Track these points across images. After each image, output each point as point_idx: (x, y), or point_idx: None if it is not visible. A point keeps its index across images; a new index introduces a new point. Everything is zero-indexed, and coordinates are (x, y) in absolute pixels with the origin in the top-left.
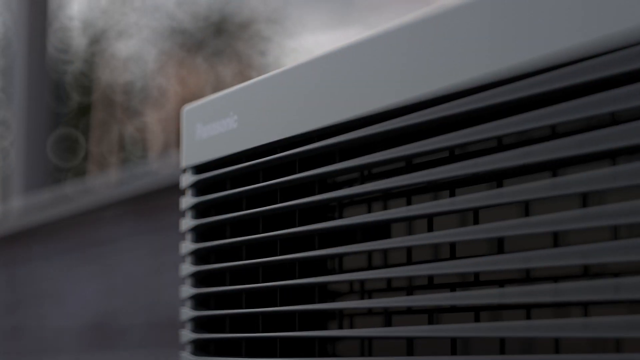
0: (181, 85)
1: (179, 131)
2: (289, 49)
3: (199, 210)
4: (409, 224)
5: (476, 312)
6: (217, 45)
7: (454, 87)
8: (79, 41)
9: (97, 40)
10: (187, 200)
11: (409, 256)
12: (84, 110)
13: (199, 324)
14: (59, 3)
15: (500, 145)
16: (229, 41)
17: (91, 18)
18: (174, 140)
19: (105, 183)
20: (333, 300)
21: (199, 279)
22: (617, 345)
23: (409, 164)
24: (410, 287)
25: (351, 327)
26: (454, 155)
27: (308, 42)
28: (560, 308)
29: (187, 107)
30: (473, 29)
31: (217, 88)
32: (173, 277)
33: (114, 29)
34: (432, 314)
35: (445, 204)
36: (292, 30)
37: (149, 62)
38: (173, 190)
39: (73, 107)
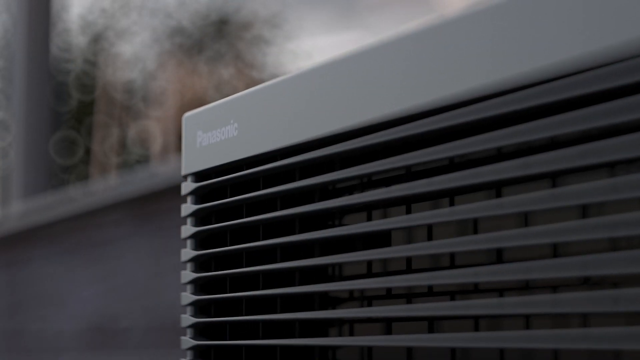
0: (181, 84)
1: (179, 131)
2: (288, 51)
3: (199, 217)
4: (409, 231)
5: (475, 320)
6: (218, 47)
7: (454, 97)
8: (80, 40)
9: (97, 39)
10: (188, 207)
11: (409, 264)
12: (86, 110)
13: (200, 331)
14: (62, 4)
15: (499, 153)
16: (230, 40)
17: (92, 18)
18: (174, 140)
19: (106, 185)
20: (333, 306)
21: (199, 285)
22: (617, 356)
23: (409, 172)
24: (410, 294)
25: (351, 333)
26: (453, 163)
27: (308, 44)
28: (559, 317)
29: (188, 114)
30: (473, 40)
31: (218, 87)
32: (174, 279)
33: (115, 28)
34: (432, 321)
35: (444, 213)
36: (292, 34)
37: (150, 62)
38: (174, 192)
39: (75, 108)
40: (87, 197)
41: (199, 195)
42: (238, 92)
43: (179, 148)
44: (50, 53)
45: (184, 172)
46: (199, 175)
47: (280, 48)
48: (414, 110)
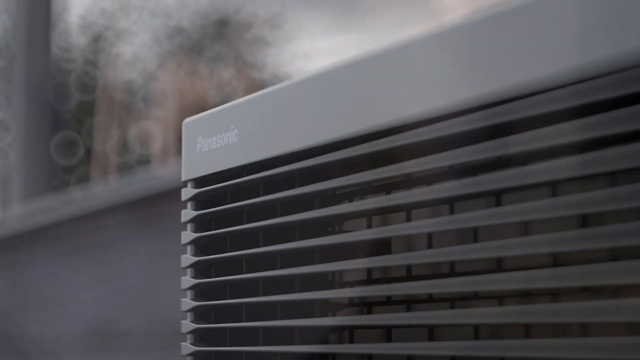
0: (182, 85)
1: (179, 132)
2: (289, 52)
3: (199, 222)
4: (409, 238)
5: (475, 327)
6: (218, 48)
7: (455, 105)
8: (80, 40)
9: (97, 39)
10: (188, 213)
11: (409, 271)
12: (86, 111)
13: (200, 337)
14: (62, 4)
15: (500, 162)
16: (230, 41)
17: (92, 18)
18: (174, 141)
19: (107, 187)
20: (333, 312)
21: (199, 291)
22: None
23: (409, 179)
24: (410, 300)
25: (351, 339)
26: (453, 169)
27: (308, 45)
28: (559, 326)
29: (188, 120)
30: (473, 48)
31: (218, 87)
32: (175, 282)
33: (115, 28)
34: (432, 327)
35: (444, 221)
36: (292, 35)
37: (150, 62)
38: (175, 194)
39: (75, 108)
40: (88, 199)
41: (199, 201)
42: (238, 92)
43: (179, 149)
44: (50, 53)
45: (184, 177)
46: (199, 181)
47: (281, 49)
48: (414, 118)
